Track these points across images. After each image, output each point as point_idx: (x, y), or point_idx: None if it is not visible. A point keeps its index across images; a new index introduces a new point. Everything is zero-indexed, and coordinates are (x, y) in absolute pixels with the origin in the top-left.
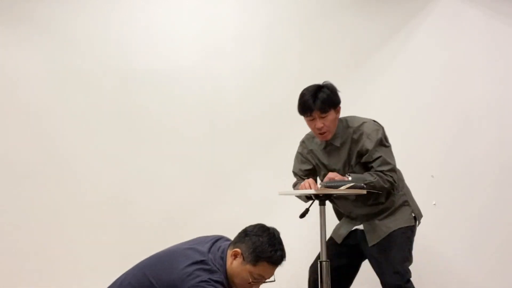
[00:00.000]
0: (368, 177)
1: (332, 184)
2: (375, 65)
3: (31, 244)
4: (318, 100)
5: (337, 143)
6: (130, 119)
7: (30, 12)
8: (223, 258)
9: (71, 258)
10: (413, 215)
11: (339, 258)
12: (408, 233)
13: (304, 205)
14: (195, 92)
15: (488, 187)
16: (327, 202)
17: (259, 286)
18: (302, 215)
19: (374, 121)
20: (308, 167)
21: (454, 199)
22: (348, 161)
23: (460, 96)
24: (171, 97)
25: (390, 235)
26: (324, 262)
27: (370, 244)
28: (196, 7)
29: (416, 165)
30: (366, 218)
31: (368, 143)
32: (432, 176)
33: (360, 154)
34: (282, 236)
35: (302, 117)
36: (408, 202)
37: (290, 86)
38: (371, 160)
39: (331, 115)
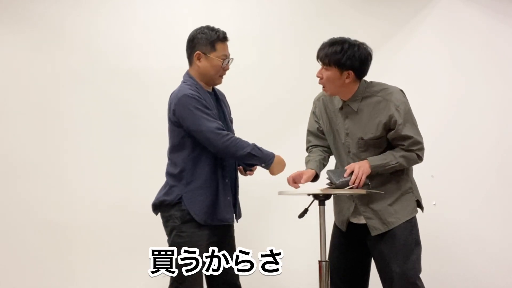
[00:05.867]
0: (391, 161)
1: (336, 182)
2: (375, 64)
3: (31, 244)
4: (323, 51)
5: (354, 107)
6: (129, 119)
7: (26, 10)
8: (188, 79)
9: (72, 259)
10: (416, 202)
11: (349, 250)
12: (413, 221)
13: (303, 205)
14: None
15: (488, 187)
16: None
17: (228, 66)
18: (301, 215)
19: (401, 90)
20: (321, 128)
21: (454, 199)
22: (365, 132)
23: (460, 96)
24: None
25: (397, 228)
26: (324, 262)
27: (373, 234)
28: (195, 6)
29: (416, 165)
30: (367, 201)
31: (397, 116)
32: (432, 176)
33: (387, 127)
34: (281, 235)
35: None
36: (412, 189)
37: (289, 86)
38: (399, 136)
39: (331, 72)
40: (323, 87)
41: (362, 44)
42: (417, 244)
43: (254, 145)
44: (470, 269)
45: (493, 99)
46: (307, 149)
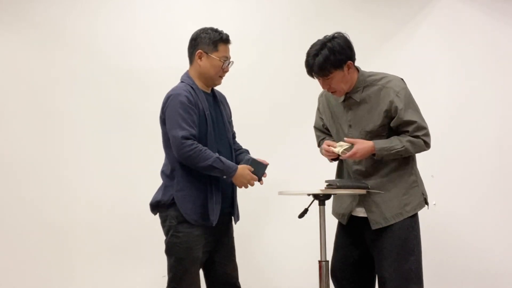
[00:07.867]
0: (396, 145)
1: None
2: (374, 65)
3: (31, 244)
4: (315, 67)
5: (357, 97)
6: (129, 119)
7: (26, 11)
8: (185, 78)
9: (71, 259)
10: (423, 197)
11: (353, 249)
12: (415, 218)
13: (303, 205)
14: None
15: (488, 187)
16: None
17: (228, 68)
18: (301, 215)
19: (401, 78)
20: (325, 125)
21: (454, 199)
22: (367, 122)
23: (461, 95)
24: None
25: (397, 225)
26: (324, 262)
27: (374, 227)
28: (195, 7)
29: (418, 163)
30: (370, 194)
31: (398, 101)
32: (432, 176)
33: (389, 114)
34: (281, 235)
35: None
36: (417, 183)
37: (289, 87)
38: (402, 122)
39: (336, 75)
40: (333, 92)
41: (335, 33)
42: (417, 243)
43: (217, 158)
44: (470, 269)
45: (493, 99)
46: (318, 144)
